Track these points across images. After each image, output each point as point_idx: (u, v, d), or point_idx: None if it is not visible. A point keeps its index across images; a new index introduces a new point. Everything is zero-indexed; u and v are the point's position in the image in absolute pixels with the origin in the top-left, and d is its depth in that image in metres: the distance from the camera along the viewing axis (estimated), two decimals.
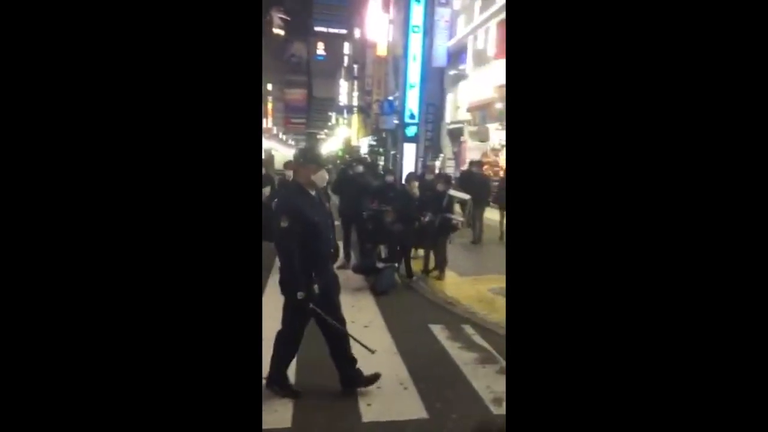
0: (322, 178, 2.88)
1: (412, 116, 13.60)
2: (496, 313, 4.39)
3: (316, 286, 2.74)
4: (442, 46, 16.44)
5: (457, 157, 15.95)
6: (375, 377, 2.93)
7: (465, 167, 13.75)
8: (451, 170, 13.89)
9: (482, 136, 14.43)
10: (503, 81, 13.03)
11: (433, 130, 16.71)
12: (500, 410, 2.91)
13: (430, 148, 16.29)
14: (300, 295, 2.66)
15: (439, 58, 16.48)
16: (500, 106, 12.56)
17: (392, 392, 2.95)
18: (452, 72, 17.59)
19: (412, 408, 2.82)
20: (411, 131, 13.57)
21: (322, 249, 2.85)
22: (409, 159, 13.31)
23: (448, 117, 17.97)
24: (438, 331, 4.10)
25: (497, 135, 13.77)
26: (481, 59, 15.22)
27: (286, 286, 2.75)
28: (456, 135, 16.02)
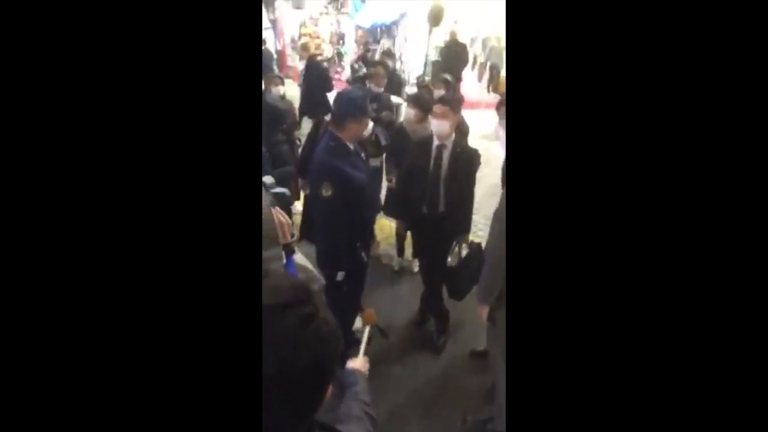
0: (367, 130, 2.29)
1: None
2: None
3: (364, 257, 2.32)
4: None
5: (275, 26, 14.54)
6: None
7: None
8: None
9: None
10: None
11: None
12: None
13: None
14: (340, 275, 2.22)
15: None
16: None
17: None
18: None
19: None
20: None
21: (367, 216, 2.36)
22: None
23: None
24: None
25: None
26: None
27: (327, 265, 2.23)
28: None
